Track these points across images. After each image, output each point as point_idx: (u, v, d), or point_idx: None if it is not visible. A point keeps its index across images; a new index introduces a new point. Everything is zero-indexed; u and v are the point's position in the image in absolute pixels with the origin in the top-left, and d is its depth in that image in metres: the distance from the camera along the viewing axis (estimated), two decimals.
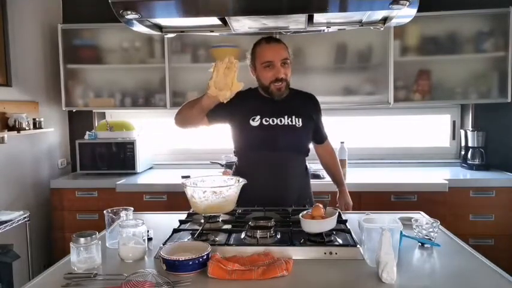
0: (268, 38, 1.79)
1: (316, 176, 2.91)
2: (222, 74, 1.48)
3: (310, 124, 1.86)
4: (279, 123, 1.78)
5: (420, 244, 1.33)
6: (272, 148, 1.76)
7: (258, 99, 1.83)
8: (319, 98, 2.95)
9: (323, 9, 1.46)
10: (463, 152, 3.08)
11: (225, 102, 1.53)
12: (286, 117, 1.79)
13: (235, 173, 1.83)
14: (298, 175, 1.86)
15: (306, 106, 1.90)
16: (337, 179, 2.07)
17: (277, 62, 1.74)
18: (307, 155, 1.92)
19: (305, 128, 1.83)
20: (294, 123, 1.80)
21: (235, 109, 1.73)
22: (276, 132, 1.76)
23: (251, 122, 1.77)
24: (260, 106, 1.81)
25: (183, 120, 1.79)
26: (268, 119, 1.77)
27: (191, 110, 1.71)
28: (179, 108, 1.80)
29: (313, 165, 3.04)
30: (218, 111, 1.69)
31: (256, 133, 1.77)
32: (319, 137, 2.00)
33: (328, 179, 2.74)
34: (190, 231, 1.43)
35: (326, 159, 2.08)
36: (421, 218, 1.45)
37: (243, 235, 1.37)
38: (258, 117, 1.77)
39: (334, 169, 2.08)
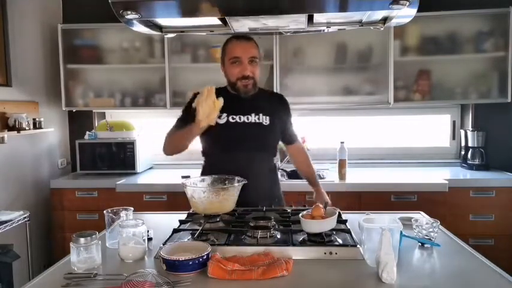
0: (239, 36, 1.78)
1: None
2: (205, 103, 1.54)
3: (278, 123, 1.84)
4: (246, 120, 1.77)
5: (420, 244, 1.33)
6: (239, 146, 1.75)
7: (226, 97, 1.76)
8: (319, 98, 2.99)
9: (323, 10, 1.46)
10: (463, 152, 3.08)
11: (214, 123, 1.60)
12: (253, 114, 1.78)
13: (203, 174, 1.79)
14: (267, 174, 1.85)
15: (274, 105, 1.89)
16: (312, 179, 2.02)
17: (244, 59, 1.73)
18: (275, 155, 1.92)
19: (272, 126, 1.81)
20: (261, 120, 1.79)
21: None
22: (243, 129, 1.74)
23: (218, 120, 1.73)
24: (227, 104, 1.74)
25: (176, 151, 1.84)
26: (235, 117, 1.76)
27: (185, 142, 1.74)
28: (165, 142, 1.82)
29: (314, 165, 3.04)
30: (192, 117, 1.68)
31: (223, 131, 1.75)
32: (289, 138, 1.98)
33: (328, 179, 2.76)
34: (190, 231, 1.43)
35: (298, 160, 2.05)
36: (421, 218, 1.45)
37: (243, 235, 1.37)
38: (225, 114, 1.76)
39: (307, 169, 2.03)
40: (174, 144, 1.81)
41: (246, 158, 1.75)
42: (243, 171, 1.67)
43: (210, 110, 1.55)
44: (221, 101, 1.57)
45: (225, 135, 1.76)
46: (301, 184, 2.68)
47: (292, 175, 2.93)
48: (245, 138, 1.75)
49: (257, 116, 1.79)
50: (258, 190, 1.76)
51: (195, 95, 1.72)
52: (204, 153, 1.89)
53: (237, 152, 1.75)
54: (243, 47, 1.75)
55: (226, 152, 1.77)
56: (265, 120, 1.80)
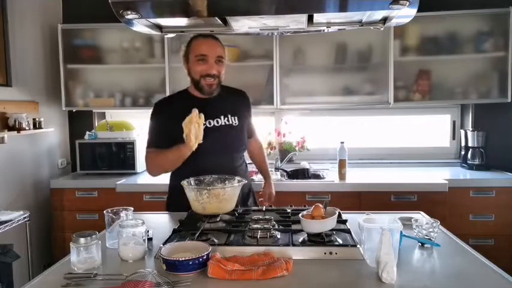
0: (205, 34, 1.76)
1: (316, 176, 2.92)
2: (195, 125, 1.56)
3: (244, 121, 1.86)
4: (215, 124, 1.77)
5: (420, 244, 1.33)
6: (214, 150, 1.72)
7: (190, 102, 1.71)
8: (319, 98, 2.99)
9: (323, 10, 1.46)
10: (463, 152, 3.08)
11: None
12: (222, 117, 1.78)
13: (176, 180, 1.73)
14: (241, 173, 1.84)
15: (239, 103, 1.90)
16: (264, 171, 2.14)
17: (211, 57, 1.71)
18: (245, 151, 1.95)
19: (241, 125, 1.83)
20: (230, 122, 1.79)
21: (173, 119, 1.63)
22: (215, 133, 1.73)
23: None
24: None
25: (164, 172, 1.85)
26: (204, 122, 1.68)
27: (175, 164, 1.72)
28: (151, 165, 1.81)
29: (314, 165, 3.06)
30: (166, 133, 1.70)
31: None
32: (250, 132, 1.99)
33: (328, 179, 2.77)
34: (190, 231, 1.43)
35: (255, 153, 2.12)
36: (421, 218, 1.45)
37: (243, 235, 1.37)
38: None
39: (262, 162, 2.14)
40: (163, 168, 1.81)
41: (223, 160, 1.75)
42: (219, 173, 1.64)
43: (198, 132, 1.56)
44: (202, 117, 1.57)
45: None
46: (301, 184, 2.70)
47: (292, 175, 2.93)
48: (219, 141, 1.74)
49: (226, 118, 1.79)
50: None
51: (157, 106, 1.78)
52: None
53: (213, 156, 1.72)
54: (211, 45, 1.73)
55: (202, 158, 1.67)
56: (234, 121, 1.80)
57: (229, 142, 1.80)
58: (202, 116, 1.58)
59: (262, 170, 2.15)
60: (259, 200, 2.08)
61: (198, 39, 1.76)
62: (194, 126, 1.55)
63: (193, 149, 1.58)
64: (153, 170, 1.83)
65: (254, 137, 2.07)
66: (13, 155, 2.69)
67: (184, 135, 1.56)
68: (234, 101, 1.88)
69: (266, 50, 2.89)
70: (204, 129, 1.64)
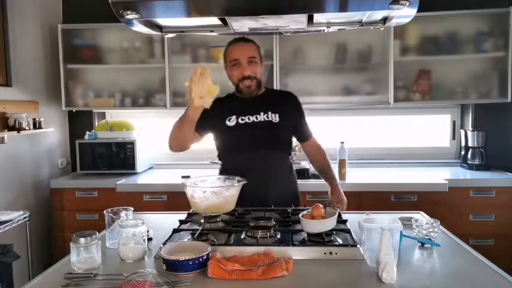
0: (237, 38, 1.80)
1: (316, 176, 2.91)
2: (199, 84, 1.51)
3: (288, 120, 1.84)
4: (255, 120, 1.78)
5: (420, 244, 1.33)
6: (251, 146, 1.75)
7: (234, 101, 1.84)
8: (319, 98, 2.99)
9: (323, 10, 1.46)
10: (463, 152, 3.08)
11: (208, 107, 1.55)
12: (262, 113, 1.79)
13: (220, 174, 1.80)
14: (281, 173, 1.84)
15: (283, 102, 1.89)
16: (329, 174, 1.95)
17: (243, 60, 1.75)
18: (290, 154, 1.91)
19: (283, 123, 1.81)
20: (270, 118, 1.79)
21: (214, 114, 1.70)
22: (253, 129, 1.75)
23: (227, 123, 1.78)
24: (235, 106, 1.81)
25: (178, 142, 1.80)
26: (244, 117, 1.78)
27: (183, 129, 1.70)
28: (169, 135, 1.80)
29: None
30: (203, 122, 1.68)
31: (233, 133, 1.77)
32: (302, 135, 1.95)
33: None
34: (190, 231, 1.43)
35: (314, 156, 2.01)
36: (421, 218, 1.45)
37: (243, 235, 1.37)
38: (234, 116, 1.78)
39: (325, 164, 1.98)
40: (174, 135, 1.77)
41: (259, 157, 1.76)
42: (257, 170, 1.71)
43: (203, 92, 1.51)
44: (217, 87, 1.54)
45: (236, 137, 1.78)
46: (301, 184, 2.68)
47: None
48: (256, 137, 1.75)
49: (266, 115, 1.79)
50: (273, 190, 1.77)
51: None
52: (219, 156, 1.91)
53: (249, 152, 1.76)
54: (241, 48, 1.77)
55: (239, 153, 1.78)
56: (274, 117, 1.79)
57: (268, 138, 1.78)
58: (207, 70, 1.52)
59: (326, 172, 1.96)
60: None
61: (229, 45, 1.81)
62: (200, 84, 1.50)
63: (195, 105, 1.53)
64: (169, 141, 1.81)
65: (311, 140, 1.98)
66: (13, 155, 2.69)
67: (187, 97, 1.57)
68: (278, 100, 1.89)
69: (266, 50, 2.89)
70: (243, 124, 1.71)
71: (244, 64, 1.75)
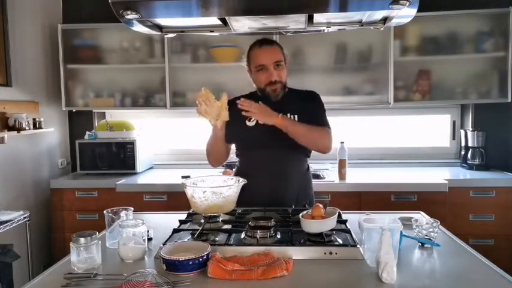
0: (261, 41, 1.79)
1: (316, 176, 2.91)
2: (209, 108, 1.60)
3: (306, 120, 1.81)
4: None
5: (420, 244, 1.33)
6: (269, 146, 1.76)
7: (255, 100, 1.81)
8: None
9: (323, 10, 1.46)
10: (463, 152, 3.08)
11: (228, 119, 1.66)
12: (281, 114, 1.77)
13: (236, 174, 1.83)
14: (298, 174, 1.85)
15: (305, 103, 1.88)
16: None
17: (269, 65, 1.75)
18: (309, 156, 1.91)
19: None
20: None
21: (235, 117, 1.72)
22: (271, 130, 1.74)
23: (247, 123, 1.79)
24: None
25: (216, 158, 1.90)
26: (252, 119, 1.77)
27: (216, 146, 1.81)
28: (206, 153, 1.88)
29: (313, 165, 3.05)
30: (228, 132, 1.75)
31: (252, 133, 1.79)
32: (316, 124, 1.84)
33: (328, 179, 2.76)
34: (190, 231, 1.43)
35: None
36: (421, 218, 1.45)
37: (243, 235, 1.37)
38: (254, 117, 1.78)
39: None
40: (210, 153, 1.87)
41: (277, 158, 1.77)
42: (273, 170, 1.75)
43: (216, 112, 1.61)
44: (225, 97, 1.62)
45: (254, 137, 1.79)
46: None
47: None
48: (274, 138, 1.74)
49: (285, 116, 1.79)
50: (289, 190, 1.79)
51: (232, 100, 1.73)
52: (237, 154, 1.93)
53: (266, 152, 1.77)
54: (267, 53, 1.76)
55: (257, 153, 1.80)
56: (294, 119, 1.79)
57: (285, 139, 1.74)
58: (207, 91, 1.61)
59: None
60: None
61: (254, 48, 1.79)
62: (211, 108, 1.59)
63: (218, 127, 1.67)
64: (209, 159, 1.91)
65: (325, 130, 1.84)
66: (13, 155, 2.69)
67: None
68: (298, 101, 1.88)
69: None
70: (262, 125, 1.72)
71: (271, 69, 1.75)
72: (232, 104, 1.69)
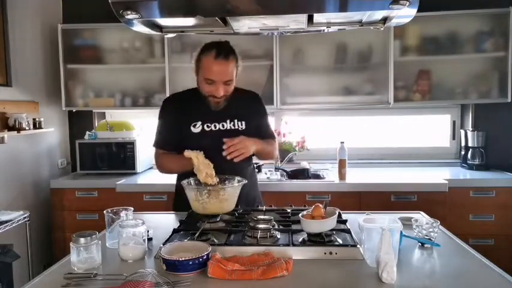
0: (218, 51, 1.64)
1: (316, 176, 2.92)
2: (202, 167, 1.56)
3: (253, 126, 1.81)
4: (221, 128, 1.75)
5: (420, 244, 1.33)
6: (217, 154, 1.63)
7: (200, 104, 1.75)
8: (319, 98, 2.99)
9: (323, 10, 1.46)
10: (463, 152, 3.08)
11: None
12: (228, 121, 1.76)
13: (180, 179, 1.75)
14: (247, 178, 1.73)
15: (250, 107, 1.85)
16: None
17: (219, 82, 1.66)
18: (253, 154, 1.83)
19: (248, 131, 1.77)
20: (236, 127, 1.76)
21: (179, 118, 1.68)
22: (219, 137, 1.66)
23: (192, 129, 1.73)
24: (201, 111, 1.75)
25: (172, 172, 1.87)
26: (210, 125, 1.73)
27: (182, 169, 1.69)
28: (161, 164, 1.82)
29: (314, 165, 3.06)
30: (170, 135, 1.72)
31: (199, 140, 1.72)
32: (264, 135, 1.86)
33: (328, 179, 2.76)
34: (190, 231, 1.43)
35: None
36: (421, 218, 1.45)
37: (243, 235, 1.37)
38: (199, 123, 1.74)
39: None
40: (172, 172, 1.86)
41: (226, 165, 1.65)
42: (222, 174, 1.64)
43: (210, 170, 1.56)
44: (211, 164, 1.57)
45: (201, 144, 1.68)
46: (301, 184, 2.69)
47: (292, 175, 2.93)
48: (220, 146, 1.64)
49: (232, 123, 1.77)
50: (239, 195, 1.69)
51: (166, 102, 1.79)
52: None
53: (215, 160, 1.63)
54: (220, 69, 1.64)
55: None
56: (240, 125, 1.77)
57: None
58: (199, 154, 1.57)
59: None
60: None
61: (208, 57, 1.65)
62: (203, 168, 1.55)
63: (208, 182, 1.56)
64: (162, 171, 1.86)
65: (271, 142, 1.90)
66: (13, 155, 2.69)
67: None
68: (244, 105, 1.83)
69: (266, 50, 2.89)
70: (209, 132, 1.68)
71: (219, 85, 1.66)
72: (175, 100, 1.64)
